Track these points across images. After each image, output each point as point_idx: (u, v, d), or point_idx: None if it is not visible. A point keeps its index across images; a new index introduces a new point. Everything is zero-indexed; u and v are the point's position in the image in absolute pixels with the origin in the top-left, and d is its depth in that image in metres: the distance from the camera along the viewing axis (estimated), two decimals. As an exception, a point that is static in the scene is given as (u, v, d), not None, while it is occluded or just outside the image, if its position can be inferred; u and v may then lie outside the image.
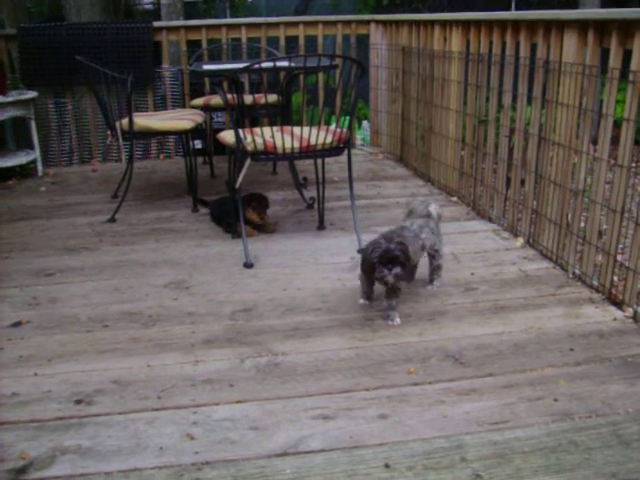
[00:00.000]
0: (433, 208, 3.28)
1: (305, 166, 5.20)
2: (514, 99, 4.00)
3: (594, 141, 3.31)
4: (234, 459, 2.13)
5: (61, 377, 2.64)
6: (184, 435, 2.25)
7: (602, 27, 3.18)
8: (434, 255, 3.29)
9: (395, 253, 2.82)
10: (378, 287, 3.11)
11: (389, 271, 2.84)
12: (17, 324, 3.10)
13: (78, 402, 2.47)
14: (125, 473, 2.09)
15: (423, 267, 3.33)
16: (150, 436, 2.26)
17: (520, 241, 3.94)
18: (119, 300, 3.32)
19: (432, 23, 5.08)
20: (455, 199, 4.86)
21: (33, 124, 5.89)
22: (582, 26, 3.30)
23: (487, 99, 4.32)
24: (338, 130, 3.91)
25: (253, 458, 2.14)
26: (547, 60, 3.60)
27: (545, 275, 3.50)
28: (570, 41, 3.38)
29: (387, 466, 2.08)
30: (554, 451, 2.14)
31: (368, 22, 6.49)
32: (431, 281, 3.37)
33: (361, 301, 3.13)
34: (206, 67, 4.51)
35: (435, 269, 3.34)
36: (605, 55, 3.16)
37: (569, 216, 3.55)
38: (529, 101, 3.84)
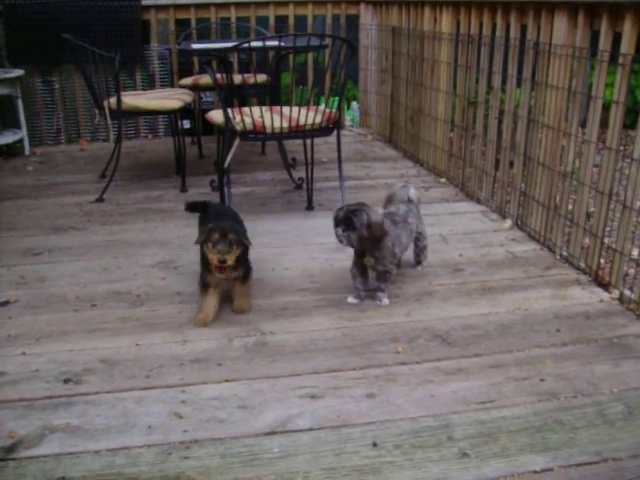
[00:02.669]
0: (413, 193, 3.29)
1: (294, 147, 5.19)
2: (504, 81, 4.00)
3: (583, 124, 3.32)
4: (222, 437, 2.14)
5: (49, 356, 2.64)
6: (172, 414, 2.26)
7: (593, 9, 3.18)
8: (418, 237, 3.30)
9: (349, 215, 2.84)
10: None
11: (342, 232, 2.87)
12: (5, 303, 3.10)
13: (67, 381, 2.47)
14: (114, 451, 2.09)
15: (410, 249, 3.34)
16: (139, 415, 2.26)
17: (508, 223, 3.95)
18: (107, 280, 3.32)
19: (422, 4, 5.05)
20: (444, 180, 4.86)
21: (20, 103, 5.84)
22: (572, 8, 3.29)
23: (477, 80, 4.32)
24: (327, 110, 3.90)
25: (241, 437, 2.15)
26: (537, 42, 3.59)
27: (533, 257, 3.51)
28: (560, 23, 3.37)
29: (375, 445, 2.10)
30: (540, 430, 2.16)
31: (358, 2, 6.46)
32: (418, 262, 3.39)
33: (350, 299, 3.07)
34: (195, 46, 4.49)
35: (421, 250, 3.35)
36: (595, 37, 3.16)
37: (557, 198, 3.56)
38: (518, 83, 3.84)
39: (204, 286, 2.88)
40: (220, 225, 2.77)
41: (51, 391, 2.41)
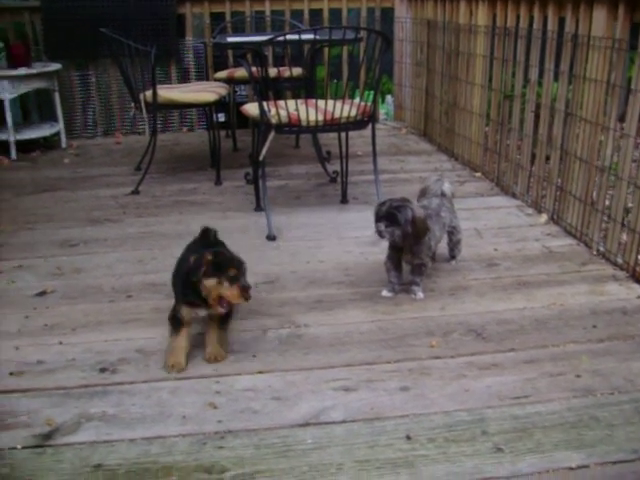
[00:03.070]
0: (447, 187, 3.27)
1: (328, 140, 5.19)
2: (540, 74, 3.96)
3: (621, 118, 3.28)
4: (256, 428, 2.15)
5: (85, 346, 2.67)
6: (207, 404, 2.28)
7: (634, 1, 3.13)
8: (452, 231, 3.29)
9: (394, 211, 2.81)
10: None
11: (385, 227, 2.84)
12: (42, 293, 3.14)
13: (102, 370, 2.50)
14: (149, 440, 2.11)
15: (444, 242, 3.32)
16: (173, 405, 2.28)
17: (544, 217, 3.92)
18: (142, 271, 3.35)
19: (458, -4, 5.02)
20: (479, 175, 4.83)
21: (57, 96, 5.91)
22: (612, 0, 3.24)
23: (513, 74, 4.28)
24: (362, 104, 3.89)
25: (275, 428, 2.16)
26: (575, 34, 3.55)
27: (569, 252, 3.48)
28: (600, 15, 3.32)
29: (408, 438, 2.09)
30: (575, 426, 2.14)
31: (393, -5, 6.43)
32: (452, 257, 3.37)
33: (384, 292, 3.06)
34: (230, 39, 4.50)
35: (455, 244, 3.34)
36: (635, 30, 3.12)
37: (594, 193, 3.52)
38: (556, 76, 3.79)
39: (178, 324, 2.52)
40: (231, 255, 2.49)
41: (87, 380, 2.44)
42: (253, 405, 2.27)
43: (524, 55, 4.12)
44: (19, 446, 2.09)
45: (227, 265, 2.41)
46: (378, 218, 2.86)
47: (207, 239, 2.68)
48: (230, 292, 2.40)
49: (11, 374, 2.48)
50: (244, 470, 1.97)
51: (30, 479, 1.96)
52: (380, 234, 2.87)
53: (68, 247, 3.68)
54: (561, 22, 3.71)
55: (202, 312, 2.51)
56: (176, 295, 2.60)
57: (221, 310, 2.46)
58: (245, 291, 2.41)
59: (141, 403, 2.30)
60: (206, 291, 2.40)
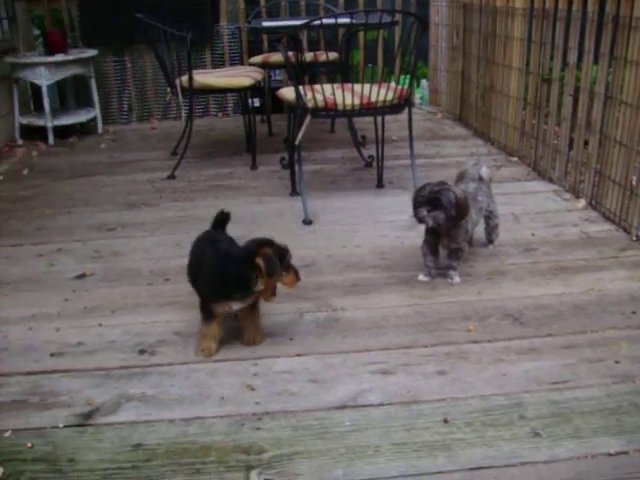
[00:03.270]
0: (484, 171, 3.24)
1: (363, 125, 5.17)
2: (580, 57, 3.90)
3: (663, 100, 3.22)
4: (294, 410, 2.16)
5: (124, 328, 2.70)
6: (244, 386, 2.29)
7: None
8: (489, 216, 3.26)
9: (437, 195, 2.79)
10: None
11: (427, 212, 2.82)
12: (81, 276, 3.18)
13: (141, 352, 2.52)
14: (187, 421, 2.14)
15: (481, 227, 3.30)
16: (211, 386, 2.30)
17: (582, 202, 3.87)
18: (180, 254, 3.34)
19: (495, -21, 4.96)
20: (515, 159, 4.78)
21: (93, 82, 5.97)
22: (655, -20, 3.19)
23: (551, 57, 4.22)
24: (399, 87, 3.87)
25: (312, 410, 2.17)
26: (617, 15, 3.48)
27: (607, 237, 3.44)
28: (642, -5, 3.27)
29: (445, 421, 2.09)
30: (614, 412, 2.12)
31: (429, -22, 6.38)
32: (490, 241, 3.35)
33: (421, 277, 3.05)
34: (266, 24, 4.50)
35: (492, 229, 3.31)
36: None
37: (634, 178, 3.47)
38: (596, 59, 3.74)
39: (210, 315, 2.46)
40: (277, 242, 2.43)
41: (126, 361, 2.47)
42: (290, 387, 2.28)
43: (563, 37, 4.06)
44: (60, 425, 2.13)
45: (284, 253, 2.39)
46: (419, 204, 2.84)
47: (223, 225, 2.68)
48: (288, 279, 2.41)
49: (52, 355, 2.52)
50: (282, 451, 1.98)
51: (72, 457, 1.99)
52: (422, 220, 2.85)
53: (106, 231, 3.72)
54: (602, 3, 3.65)
55: (236, 306, 2.44)
56: (206, 291, 2.49)
57: (274, 298, 2.45)
58: (298, 275, 2.43)
59: (180, 384, 2.32)
60: (270, 284, 2.38)
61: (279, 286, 2.45)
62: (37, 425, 2.13)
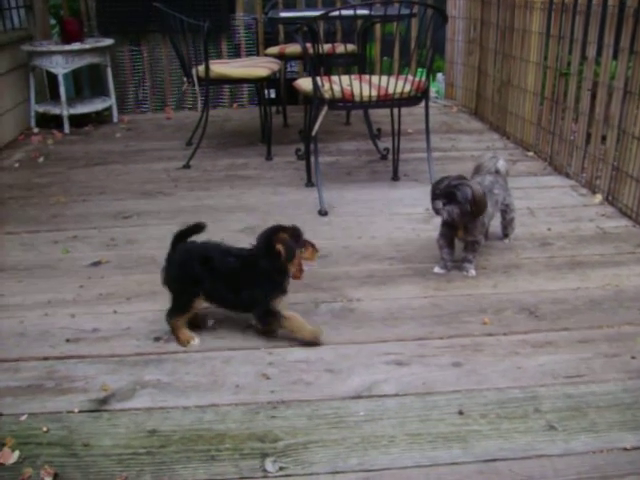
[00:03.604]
0: (501, 164, 3.23)
1: (378, 117, 5.16)
2: (599, 51, 3.87)
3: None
4: (309, 399, 2.17)
5: (140, 315, 2.71)
6: (260, 375, 2.29)
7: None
8: (505, 210, 3.25)
9: (454, 189, 2.78)
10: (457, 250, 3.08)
11: (443, 206, 2.82)
12: (96, 263, 3.19)
13: (157, 339, 2.53)
14: (202, 408, 2.14)
15: (496, 221, 3.29)
16: (227, 374, 2.31)
17: (598, 198, 3.85)
18: (195, 243, 3.37)
19: (514, -28, 4.93)
20: (531, 154, 4.76)
21: (109, 71, 5.98)
22: (677, -26, 3.16)
23: (570, 51, 4.20)
24: (416, 79, 3.86)
25: (327, 399, 2.17)
26: (638, 8, 3.46)
27: (624, 233, 3.42)
28: (663, -10, 3.24)
29: (461, 413, 2.09)
30: (630, 407, 2.11)
31: (446, -29, 6.35)
32: (505, 235, 3.34)
33: (436, 269, 3.04)
34: (284, 14, 4.49)
35: (508, 222, 3.30)
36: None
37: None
38: (615, 54, 3.71)
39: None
40: (284, 225, 2.50)
41: (142, 348, 2.48)
42: (305, 377, 2.28)
43: (582, 31, 4.04)
44: (76, 410, 2.14)
45: (297, 233, 2.47)
46: (436, 196, 2.84)
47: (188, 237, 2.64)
48: (308, 254, 2.49)
49: (67, 341, 2.53)
50: (297, 440, 1.98)
51: (87, 442, 2.00)
52: (438, 212, 2.85)
53: (121, 219, 3.73)
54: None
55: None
56: (266, 296, 2.45)
57: (302, 276, 2.49)
58: (316, 247, 2.51)
59: (195, 372, 2.32)
60: (295, 265, 2.44)
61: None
62: (53, 409, 2.14)
